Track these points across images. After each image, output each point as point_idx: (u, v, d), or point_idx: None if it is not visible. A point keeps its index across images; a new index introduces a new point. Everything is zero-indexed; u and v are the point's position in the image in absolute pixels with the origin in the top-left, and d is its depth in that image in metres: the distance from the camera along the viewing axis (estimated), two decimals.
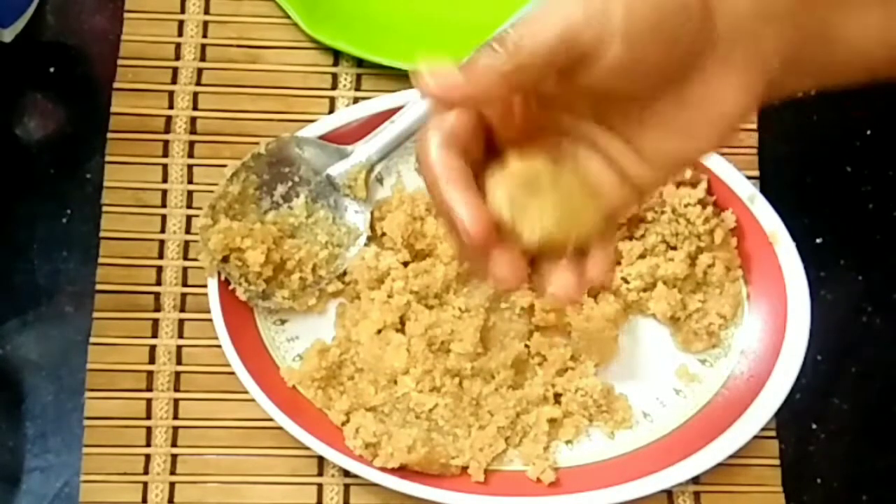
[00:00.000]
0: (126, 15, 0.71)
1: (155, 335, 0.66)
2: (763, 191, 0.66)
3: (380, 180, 0.68)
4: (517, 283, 0.45)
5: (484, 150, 0.46)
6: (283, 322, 0.65)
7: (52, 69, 0.71)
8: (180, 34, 0.71)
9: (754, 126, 0.69)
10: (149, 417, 0.64)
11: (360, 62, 0.71)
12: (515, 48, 0.42)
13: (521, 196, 0.44)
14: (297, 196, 0.66)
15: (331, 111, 0.70)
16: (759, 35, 0.44)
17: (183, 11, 0.72)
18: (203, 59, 0.71)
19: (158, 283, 0.67)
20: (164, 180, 0.68)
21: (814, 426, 0.66)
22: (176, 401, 0.65)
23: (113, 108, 0.69)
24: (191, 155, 0.69)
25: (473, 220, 0.43)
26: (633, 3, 0.42)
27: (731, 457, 0.62)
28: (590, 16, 0.42)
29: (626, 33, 0.42)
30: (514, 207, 0.44)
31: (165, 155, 0.69)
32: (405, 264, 0.65)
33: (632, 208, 0.63)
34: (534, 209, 0.44)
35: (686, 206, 0.65)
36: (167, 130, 0.69)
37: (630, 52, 0.42)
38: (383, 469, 0.61)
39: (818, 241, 0.69)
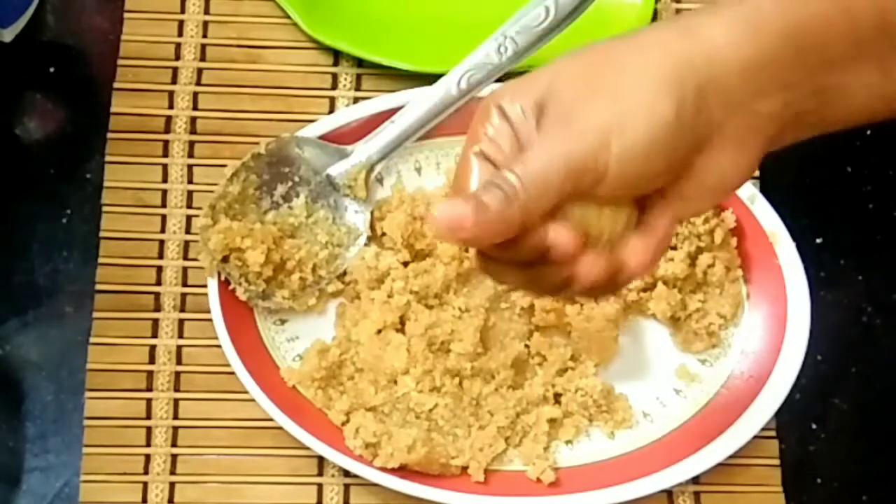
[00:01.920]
0: (126, 15, 0.71)
1: (155, 335, 0.66)
2: (763, 191, 0.66)
3: (380, 180, 0.68)
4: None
5: None
6: (283, 322, 0.65)
7: (52, 69, 0.71)
8: (180, 34, 0.71)
9: None
10: (149, 417, 0.64)
11: (360, 62, 0.71)
12: (523, 195, 0.42)
13: None
14: (297, 196, 0.66)
15: (331, 111, 0.70)
16: (755, 109, 0.44)
17: (183, 11, 0.72)
18: (203, 59, 0.71)
19: (158, 283, 0.67)
20: (164, 180, 0.68)
21: (814, 426, 0.66)
22: (176, 401, 0.65)
23: (113, 108, 0.69)
24: (191, 155, 0.69)
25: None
26: (628, 122, 0.42)
27: (731, 457, 0.62)
28: (587, 150, 0.42)
29: (623, 157, 0.42)
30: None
31: (165, 155, 0.69)
32: (405, 264, 0.65)
33: None
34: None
35: None
36: (167, 130, 0.69)
37: (632, 170, 0.43)
38: (383, 469, 0.61)
39: (818, 241, 0.69)
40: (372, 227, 0.67)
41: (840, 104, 0.45)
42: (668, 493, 0.63)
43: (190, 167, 0.69)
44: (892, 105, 0.46)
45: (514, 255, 0.44)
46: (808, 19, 0.43)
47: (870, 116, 0.46)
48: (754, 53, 0.43)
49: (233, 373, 0.62)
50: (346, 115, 0.67)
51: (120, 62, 0.70)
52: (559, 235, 0.43)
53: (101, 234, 0.67)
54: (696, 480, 0.64)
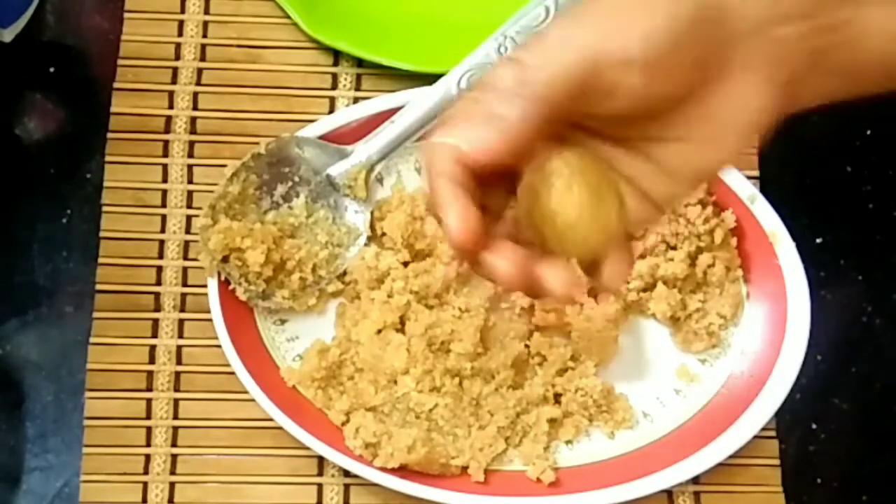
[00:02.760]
0: (126, 15, 0.71)
1: (155, 335, 0.66)
2: (763, 191, 0.66)
3: (380, 180, 0.68)
4: (517, 281, 0.44)
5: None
6: (283, 322, 0.65)
7: (52, 69, 0.71)
8: (180, 34, 0.71)
9: None
10: (149, 417, 0.64)
11: (360, 62, 0.71)
12: (533, 79, 0.41)
13: (547, 196, 0.43)
14: (297, 196, 0.66)
15: (331, 111, 0.70)
16: (778, 37, 0.43)
17: (183, 11, 0.72)
18: (203, 59, 0.71)
19: (158, 283, 0.67)
20: (164, 180, 0.68)
21: (814, 426, 0.66)
22: (176, 401, 0.65)
23: (113, 108, 0.69)
24: (191, 155, 0.69)
25: (460, 221, 0.42)
26: (650, 27, 0.41)
27: (731, 457, 0.62)
28: (608, 45, 0.41)
29: (644, 62, 0.41)
30: (539, 206, 0.43)
31: (165, 155, 0.69)
32: (405, 264, 0.65)
33: (651, 223, 0.62)
34: (560, 210, 0.43)
35: (686, 205, 0.65)
36: (167, 130, 0.69)
37: (650, 79, 0.42)
38: (383, 469, 0.61)
39: (818, 241, 0.69)
40: (372, 227, 0.67)
41: (857, 45, 0.44)
42: (668, 493, 0.64)
43: (190, 167, 0.69)
44: None
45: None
46: None
47: (885, 65, 0.45)
48: None
49: (233, 373, 0.62)
50: (346, 115, 0.67)
51: (120, 62, 0.70)
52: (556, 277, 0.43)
53: (101, 234, 0.67)
54: (696, 480, 0.64)
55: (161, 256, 0.67)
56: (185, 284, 0.67)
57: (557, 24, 0.42)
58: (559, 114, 0.42)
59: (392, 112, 0.66)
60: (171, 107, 0.70)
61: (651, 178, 0.45)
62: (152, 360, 0.65)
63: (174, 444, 0.64)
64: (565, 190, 0.43)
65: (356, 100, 0.70)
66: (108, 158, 0.68)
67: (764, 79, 0.43)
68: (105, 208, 0.68)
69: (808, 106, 0.46)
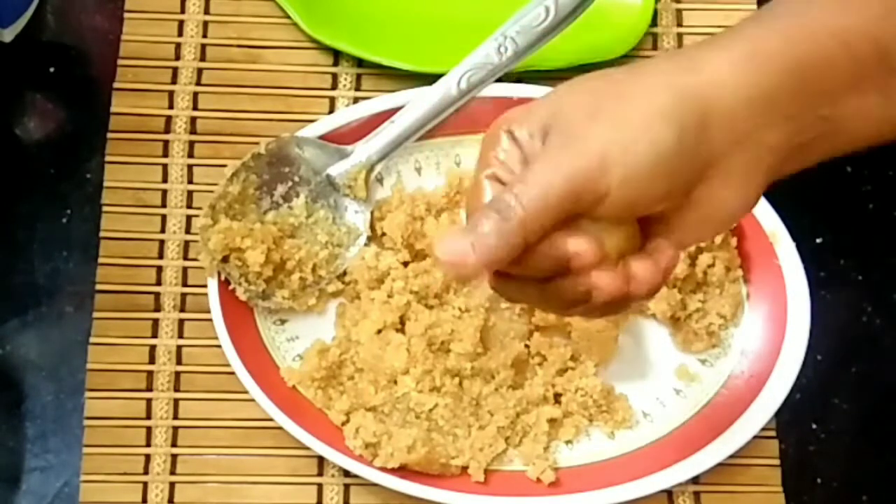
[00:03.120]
0: (126, 15, 0.71)
1: (155, 335, 0.66)
2: (763, 191, 0.66)
3: (380, 180, 0.68)
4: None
5: None
6: (283, 322, 0.65)
7: (52, 69, 0.71)
8: (180, 34, 0.71)
9: None
10: (149, 417, 0.64)
11: (360, 62, 0.71)
12: (521, 213, 0.42)
13: None
14: (297, 196, 0.66)
15: (331, 111, 0.70)
16: (759, 139, 0.44)
17: (183, 11, 0.72)
18: (203, 59, 0.71)
19: (158, 283, 0.66)
20: (164, 180, 0.68)
21: (814, 426, 0.66)
22: (176, 401, 0.65)
23: (113, 108, 0.69)
24: (191, 155, 0.69)
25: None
26: (629, 146, 0.43)
27: (731, 457, 0.62)
28: (588, 169, 0.42)
29: (624, 180, 0.43)
30: None
31: (165, 155, 0.69)
32: (405, 264, 0.65)
33: None
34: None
35: None
36: (167, 130, 0.69)
37: (632, 193, 0.43)
38: (383, 469, 0.61)
39: (818, 241, 0.69)
40: (372, 227, 0.67)
41: (844, 132, 0.46)
42: (668, 493, 0.63)
43: (190, 167, 0.69)
44: (894, 131, 0.47)
45: (533, 270, 0.44)
46: (810, 55, 0.44)
47: (873, 141, 0.47)
48: (759, 87, 0.44)
49: (233, 373, 0.62)
50: (346, 115, 0.67)
51: (120, 62, 0.70)
52: (580, 244, 0.43)
53: (101, 234, 0.67)
54: (696, 480, 0.64)
55: (161, 256, 0.67)
56: (185, 284, 0.67)
57: (549, 143, 0.44)
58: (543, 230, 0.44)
59: (392, 112, 0.66)
60: (171, 107, 0.70)
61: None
62: (152, 360, 0.65)
63: (174, 444, 0.64)
64: None
65: (356, 100, 0.70)
66: (108, 158, 0.68)
67: (745, 178, 0.45)
68: (105, 208, 0.67)
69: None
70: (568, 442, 0.64)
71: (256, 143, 0.65)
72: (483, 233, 0.43)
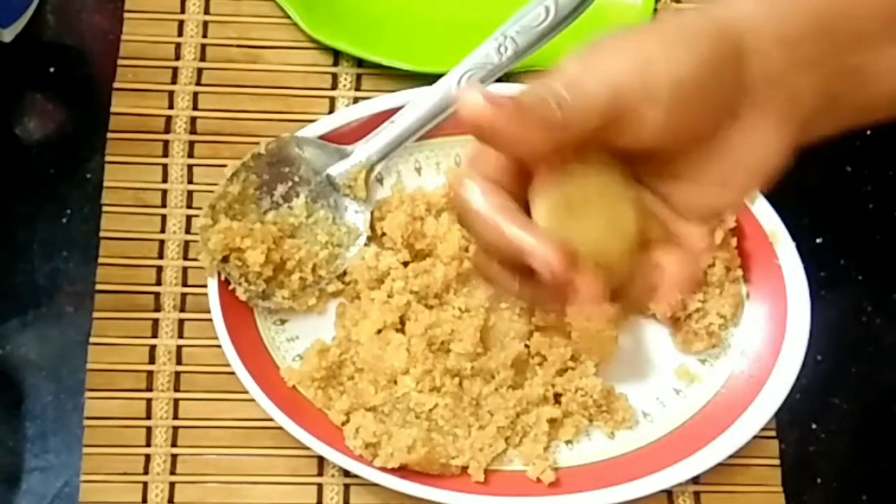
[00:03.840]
0: (126, 15, 0.71)
1: (155, 335, 0.66)
2: (763, 191, 0.66)
3: (380, 180, 0.68)
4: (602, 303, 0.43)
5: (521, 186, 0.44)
6: (283, 322, 0.65)
7: (52, 69, 0.71)
8: (180, 34, 0.71)
9: None
10: (149, 417, 0.64)
11: (360, 62, 0.71)
12: (566, 105, 0.41)
13: (564, 215, 0.43)
14: (297, 196, 0.66)
15: (331, 111, 0.70)
16: (793, 82, 0.44)
17: (183, 11, 0.72)
18: (203, 59, 0.71)
19: (158, 283, 0.67)
20: (164, 180, 0.68)
21: (814, 426, 0.66)
22: (176, 401, 0.65)
23: (113, 108, 0.69)
24: (191, 155, 0.69)
25: (553, 252, 0.41)
26: (676, 64, 0.42)
27: (731, 457, 0.62)
28: (637, 78, 0.42)
29: (670, 98, 0.42)
30: (558, 227, 0.42)
31: (165, 155, 0.69)
32: (405, 264, 0.65)
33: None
34: (577, 229, 0.43)
35: None
36: (167, 130, 0.69)
37: (673, 116, 0.42)
38: (383, 469, 0.61)
39: (818, 241, 0.69)
40: (372, 227, 0.67)
41: (870, 86, 0.45)
42: (668, 493, 0.64)
43: (190, 167, 0.69)
44: None
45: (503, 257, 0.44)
46: (837, 2, 0.43)
47: None
48: (786, 29, 0.43)
49: (233, 373, 0.62)
50: (346, 115, 0.67)
51: (120, 62, 0.70)
52: (585, 284, 0.42)
53: (101, 234, 0.67)
54: (696, 480, 0.64)
55: (161, 256, 0.67)
56: (185, 284, 0.67)
57: (587, 53, 0.43)
58: (584, 140, 0.42)
59: (392, 112, 0.66)
60: (171, 107, 0.70)
61: (664, 215, 0.46)
62: (152, 360, 0.65)
63: (174, 444, 0.64)
64: (583, 205, 0.43)
65: (356, 100, 0.70)
66: (108, 158, 0.68)
67: (778, 123, 0.44)
68: (105, 208, 0.68)
69: (819, 139, 0.46)
70: (568, 442, 0.64)
71: (256, 143, 0.65)
72: (528, 107, 0.41)
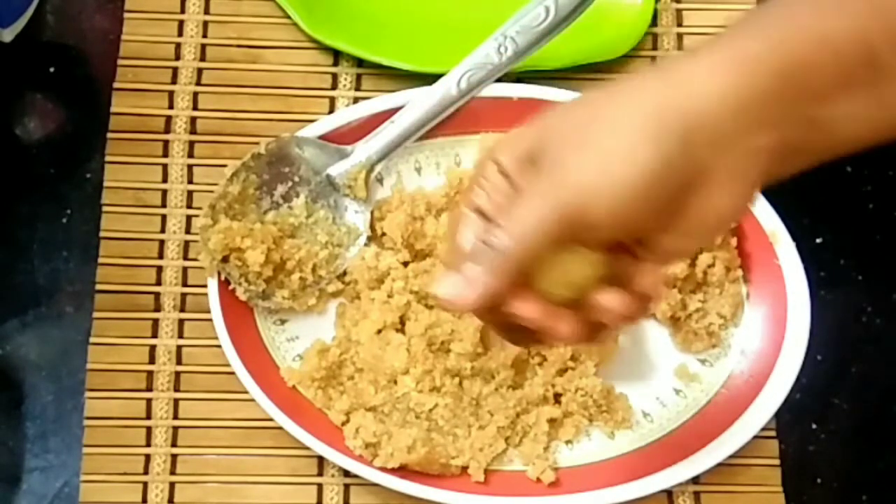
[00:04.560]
0: (126, 15, 0.71)
1: (155, 335, 0.66)
2: (763, 191, 0.66)
3: (380, 180, 0.68)
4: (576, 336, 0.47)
5: None
6: (283, 322, 0.65)
7: (52, 69, 0.71)
8: (180, 34, 0.71)
9: None
10: (149, 417, 0.64)
11: (360, 62, 0.71)
12: (513, 247, 0.44)
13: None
14: (297, 196, 0.66)
15: (331, 111, 0.70)
16: (748, 144, 0.44)
17: (183, 11, 0.72)
18: (203, 59, 0.71)
19: (158, 283, 0.66)
20: (164, 180, 0.68)
21: (814, 426, 0.66)
22: (176, 401, 0.65)
23: (113, 108, 0.69)
24: (191, 155, 0.69)
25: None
26: (615, 174, 0.43)
27: (731, 457, 0.62)
28: (578, 199, 0.43)
29: (613, 208, 0.43)
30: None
31: (165, 155, 0.69)
32: (405, 264, 0.65)
33: None
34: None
35: None
36: (167, 130, 0.69)
37: (624, 218, 0.44)
38: (383, 469, 0.61)
39: (818, 241, 0.69)
40: (372, 227, 0.67)
41: (832, 134, 0.46)
42: (668, 493, 0.63)
43: (190, 167, 0.69)
44: (884, 132, 0.47)
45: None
46: (794, 58, 0.44)
47: (863, 144, 0.47)
48: (744, 92, 0.44)
49: (233, 373, 0.62)
50: (346, 115, 0.67)
51: (120, 62, 0.70)
52: (527, 310, 0.46)
53: (101, 234, 0.67)
54: (696, 480, 0.64)
55: (161, 256, 0.67)
56: (185, 284, 0.67)
57: (534, 182, 0.45)
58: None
59: (392, 112, 0.66)
60: (171, 107, 0.70)
61: (631, 258, 0.47)
62: (152, 360, 0.65)
63: (174, 444, 0.64)
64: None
65: (356, 100, 0.70)
66: (108, 158, 0.68)
67: (738, 184, 0.45)
68: (105, 208, 0.67)
69: (784, 178, 0.47)
70: (568, 442, 0.64)
71: (256, 143, 0.65)
72: (474, 275, 0.45)
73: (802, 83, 0.44)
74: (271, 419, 0.61)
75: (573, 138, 0.44)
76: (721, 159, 0.44)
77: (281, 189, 0.66)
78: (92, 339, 0.65)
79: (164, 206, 0.68)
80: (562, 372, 0.64)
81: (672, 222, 0.45)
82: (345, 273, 0.66)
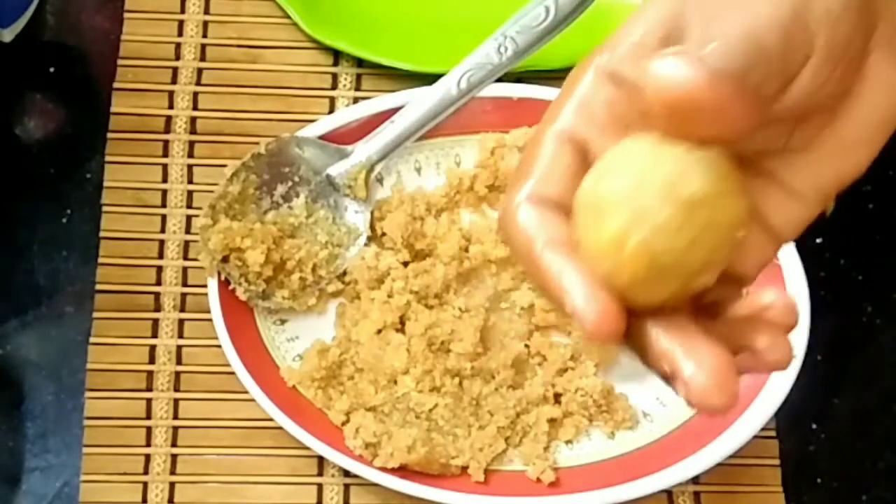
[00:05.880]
0: (126, 15, 0.71)
1: (155, 335, 0.66)
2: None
3: (380, 180, 0.68)
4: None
5: None
6: (283, 322, 0.65)
7: (52, 69, 0.71)
8: (180, 34, 0.71)
9: None
10: (149, 417, 0.64)
11: (360, 62, 0.71)
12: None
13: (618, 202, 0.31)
14: (297, 196, 0.66)
15: (331, 111, 0.70)
16: None
17: (183, 11, 0.72)
18: (203, 59, 0.71)
19: (158, 283, 0.67)
20: (164, 180, 0.68)
21: (814, 426, 0.66)
22: (176, 401, 0.65)
23: (113, 108, 0.69)
24: (191, 155, 0.69)
25: (590, 302, 0.33)
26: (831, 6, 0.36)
27: (731, 457, 0.62)
28: (797, 18, 0.36)
29: (826, 42, 0.36)
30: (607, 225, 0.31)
31: (165, 155, 0.69)
32: (405, 264, 0.65)
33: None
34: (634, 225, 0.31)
35: None
36: (167, 130, 0.69)
37: (825, 65, 0.36)
38: (383, 469, 0.61)
39: (818, 241, 0.69)
40: (372, 227, 0.67)
41: None
42: (668, 493, 0.63)
43: (190, 167, 0.69)
44: None
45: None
46: None
47: None
48: None
49: (233, 373, 0.62)
50: (346, 115, 0.67)
51: (120, 62, 0.70)
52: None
53: (101, 234, 0.67)
54: (696, 480, 0.64)
55: (161, 256, 0.67)
56: (185, 284, 0.67)
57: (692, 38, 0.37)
58: None
59: (392, 112, 0.66)
60: (171, 107, 0.70)
61: (776, 205, 0.39)
62: (152, 360, 0.65)
63: (174, 444, 0.64)
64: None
65: (356, 100, 0.70)
66: (108, 158, 0.68)
67: None
68: (105, 208, 0.67)
69: None
70: (568, 442, 0.64)
71: (256, 143, 0.65)
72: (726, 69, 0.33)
73: None
74: (271, 419, 0.61)
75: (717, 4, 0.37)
76: (884, 30, 0.37)
77: (281, 189, 0.66)
78: (92, 339, 0.65)
79: (164, 206, 0.68)
80: (562, 372, 0.64)
81: (826, 117, 0.37)
82: (345, 273, 0.66)
